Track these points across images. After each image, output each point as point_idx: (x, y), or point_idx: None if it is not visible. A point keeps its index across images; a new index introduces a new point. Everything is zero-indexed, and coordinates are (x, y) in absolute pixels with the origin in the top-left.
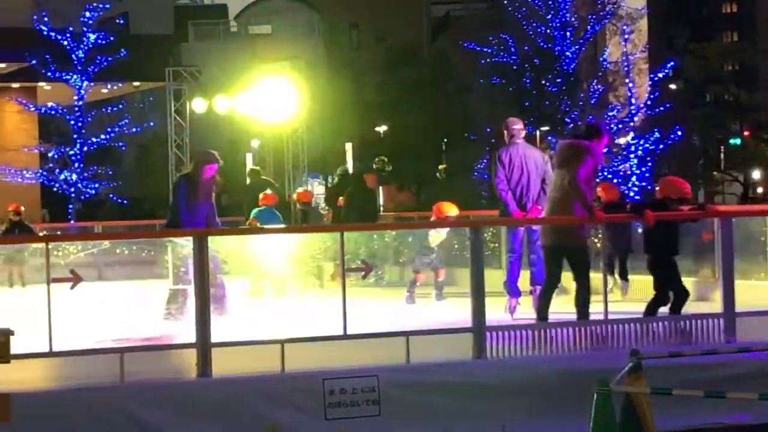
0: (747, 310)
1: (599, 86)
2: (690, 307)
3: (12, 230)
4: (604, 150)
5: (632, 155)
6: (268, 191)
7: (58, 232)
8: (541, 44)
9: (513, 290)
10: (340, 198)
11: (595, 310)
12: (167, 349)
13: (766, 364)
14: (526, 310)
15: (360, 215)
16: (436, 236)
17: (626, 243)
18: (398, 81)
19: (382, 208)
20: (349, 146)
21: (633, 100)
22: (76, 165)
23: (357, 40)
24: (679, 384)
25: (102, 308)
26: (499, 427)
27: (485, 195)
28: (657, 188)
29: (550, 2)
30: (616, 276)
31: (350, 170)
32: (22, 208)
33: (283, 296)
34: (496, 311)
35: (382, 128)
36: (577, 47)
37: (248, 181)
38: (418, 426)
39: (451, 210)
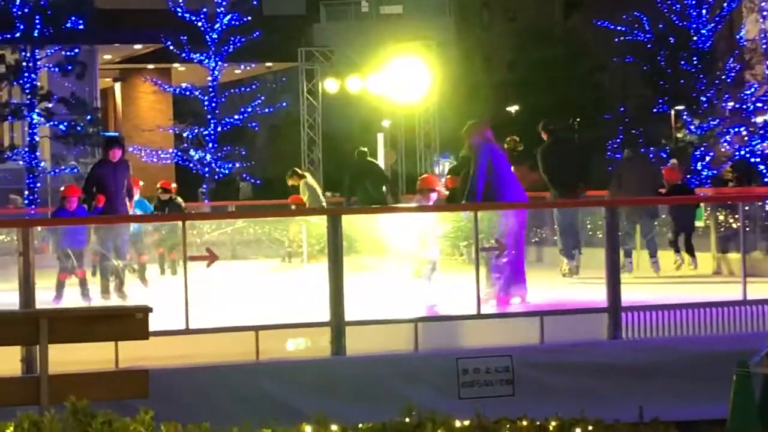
0: None
1: (736, 64)
2: None
3: (161, 209)
4: (740, 129)
5: None
6: None
7: (192, 212)
8: (676, 22)
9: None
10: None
11: (732, 291)
12: (301, 327)
13: None
14: None
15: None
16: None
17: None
18: (530, 60)
19: None
20: None
21: None
22: (210, 145)
23: (488, 19)
24: None
25: (236, 286)
26: (636, 408)
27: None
28: None
29: None
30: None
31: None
32: (174, 185)
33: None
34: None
35: (513, 108)
36: (712, 25)
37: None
38: (552, 406)
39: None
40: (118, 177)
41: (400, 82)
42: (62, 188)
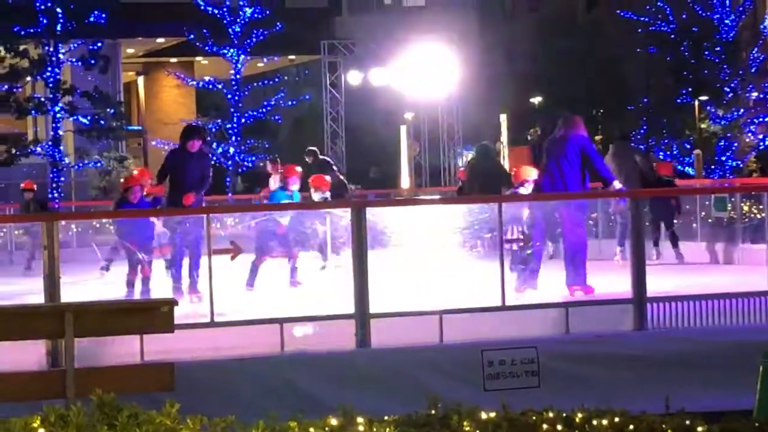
0: None
1: (760, 54)
2: None
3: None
4: (765, 119)
5: None
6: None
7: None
8: (700, 12)
9: None
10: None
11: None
12: (326, 320)
13: None
14: None
15: (480, 187)
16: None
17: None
18: (552, 52)
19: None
20: (503, 118)
21: None
22: (233, 138)
23: (510, 10)
24: None
25: (262, 279)
26: (662, 399)
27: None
28: None
29: None
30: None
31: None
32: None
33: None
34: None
35: (536, 100)
36: (736, 15)
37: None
38: (578, 398)
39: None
40: (194, 168)
41: (423, 74)
42: (123, 179)
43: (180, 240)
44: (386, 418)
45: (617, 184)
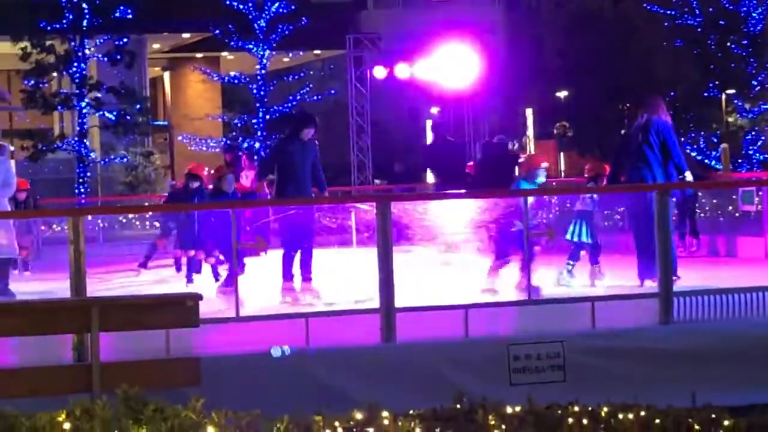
0: None
1: None
2: None
3: (188, 198)
4: None
5: None
6: None
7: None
8: (727, 5)
9: None
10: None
11: None
12: (352, 314)
13: None
14: None
15: (484, 181)
16: None
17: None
18: (579, 45)
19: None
20: (529, 112)
21: None
22: (259, 133)
23: (537, 3)
24: None
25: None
26: (689, 395)
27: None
28: None
29: None
30: None
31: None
32: (206, 171)
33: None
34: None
35: (562, 93)
36: (764, 8)
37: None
38: (604, 392)
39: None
40: (307, 157)
41: (449, 68)
42: (189, 167)
43: (290, 234)
44: (411, 412)
45: (689, 176)
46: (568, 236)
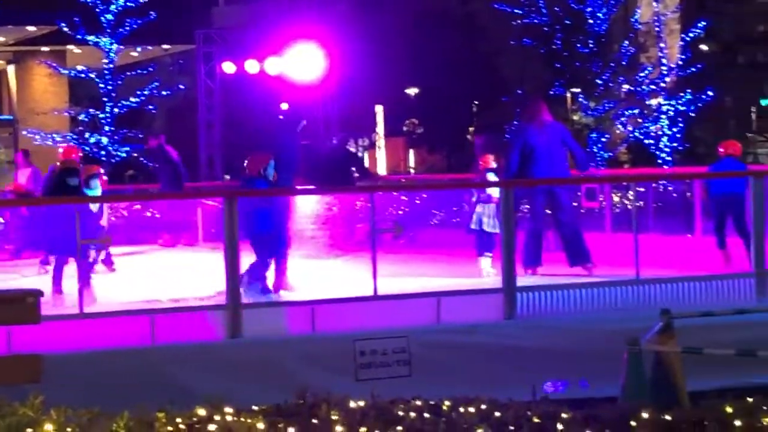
0: None
1: (630, 47)
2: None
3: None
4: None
5: (663, 116)
6: None
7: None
8: (572, 5)
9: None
10: None
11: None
12: (197, 311)
13: None
14: None
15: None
16: None
17: None
18: (429, 43)
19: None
20: (379, 108)
21: (664, 61)
22: (107, 128)
23: (387, 3)
24: (711, 344)
25: (131, 271)
26: (530, 387)
27: None
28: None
29: None
30: None
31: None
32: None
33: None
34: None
35: (412, 90)
36: (608, 8)
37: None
38: (448, 386)
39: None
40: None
41: (298, 64)
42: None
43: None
44: (255, 408)
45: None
46: (473, 225)
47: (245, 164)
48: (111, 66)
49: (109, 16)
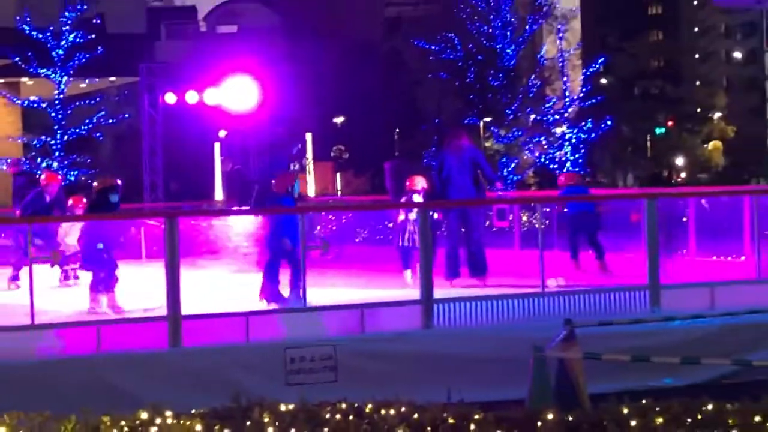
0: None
1: (537, 81)
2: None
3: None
4: (541, 139)
5: (566, 143)
6: None
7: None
8: (484, 42)
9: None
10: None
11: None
12: (141, 322)
13: (688, 331)
14: None
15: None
16: None
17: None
18: (355, 75)
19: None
20: (309, 136)
21: (567, 93)
22: (57, 154)
23: (317, 39)
24: (609, 351)
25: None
26: (444, 391)
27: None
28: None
29: (492, 3)
30: None
31: (310, 158)
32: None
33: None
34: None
35: (339, 119)
36: (516, 45)
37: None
38: (371, 391)
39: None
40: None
41: (234, 95)
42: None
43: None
44: (193, 411)
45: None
46: (406, 243)
47: (273, 183)
48: (61, 97)
49: (60, 51)
